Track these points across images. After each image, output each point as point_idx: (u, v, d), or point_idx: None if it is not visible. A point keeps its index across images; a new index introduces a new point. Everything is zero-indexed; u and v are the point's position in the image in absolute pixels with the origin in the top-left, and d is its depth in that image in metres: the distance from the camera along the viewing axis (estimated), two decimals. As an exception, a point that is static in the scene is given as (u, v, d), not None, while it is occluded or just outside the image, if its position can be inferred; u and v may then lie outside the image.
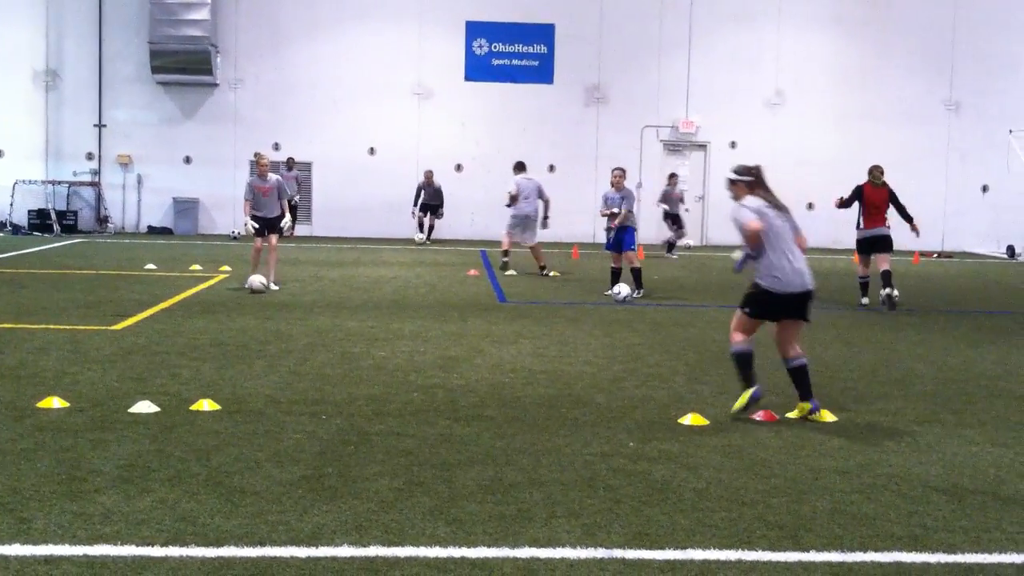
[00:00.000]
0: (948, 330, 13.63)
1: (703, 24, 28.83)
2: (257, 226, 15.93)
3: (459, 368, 10.09)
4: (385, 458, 6.92)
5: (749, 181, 8.43)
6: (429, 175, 27.31)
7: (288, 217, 16.45)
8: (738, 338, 8.35)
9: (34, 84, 27.84)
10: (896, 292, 15.28)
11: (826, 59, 29.19)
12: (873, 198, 15.67)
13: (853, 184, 27.60)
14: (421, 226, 27.53)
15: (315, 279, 17.60)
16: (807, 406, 8.25)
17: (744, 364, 8.30)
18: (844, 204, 15.98)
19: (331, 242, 26.62)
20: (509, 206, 19.76)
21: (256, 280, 15.52)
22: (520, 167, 20.03)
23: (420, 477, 6.52)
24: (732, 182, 8.52)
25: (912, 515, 6.06)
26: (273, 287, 15.81)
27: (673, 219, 25.08)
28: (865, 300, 15.81)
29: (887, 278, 15.41)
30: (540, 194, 19.50)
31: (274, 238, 16.11)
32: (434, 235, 27.84)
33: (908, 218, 15.74)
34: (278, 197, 16.03)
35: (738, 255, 8.56)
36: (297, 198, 27.02)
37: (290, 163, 27.19)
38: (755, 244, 8.17)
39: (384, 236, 28.04)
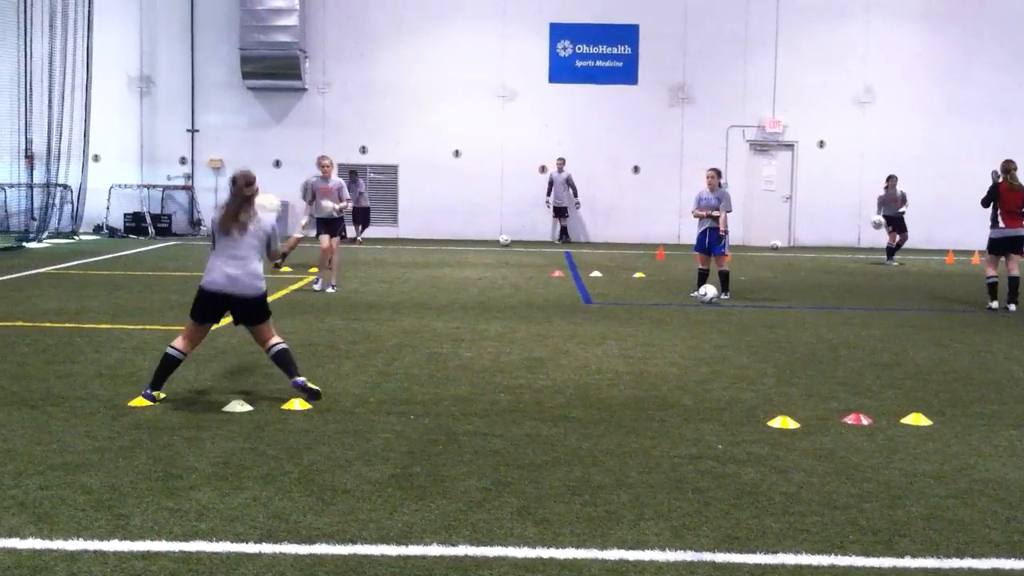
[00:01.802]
0: (1046, 332, 13.27)
1: (789, 21, 28.46)
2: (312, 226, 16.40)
3: (545, 369, 10.10)
4: (473, 458, 6.95)
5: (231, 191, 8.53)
6: (560, 163, 27.66)
7: (341, 204, 16.28)
8: (179, 343, 8.48)
9: (129, 90, 28.53)
10: (1016, 306, 15.06)
11: (916, 54, 28.59)
12: (1010, 199, 15.01)
13: (945, 182, 26.98)
14: (564, 232, 27.98)
15: (402, 280, 17.75)
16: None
17: (165, 367, 8.41)
18: (984, 204, 15.40)
19: (416, 243, 26.83)
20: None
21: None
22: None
23: (507, 477, 6.54)
24: None
25: (1010, 521, 5.92)
26: (330, 290, 15.92)
27: (893, 223, 23.20)
28: (994, 304, 15.14)
29: (1015, 287, 15.11)
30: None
31: (334, 240, 16.14)
32: (517, 237, 27.92)
33: None
34: (339, 199, 16.16)
35: None
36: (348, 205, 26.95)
37: (352, 175, 26.80)
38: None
39: (468, 237, 28.18)
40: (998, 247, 15.28)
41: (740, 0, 28.44)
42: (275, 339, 8.63)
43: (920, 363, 10.82)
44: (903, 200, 23.09)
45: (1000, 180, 15.20)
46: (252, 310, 8.54)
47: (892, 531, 5.71)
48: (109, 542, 5.33)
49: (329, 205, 16.08)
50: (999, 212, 15.12)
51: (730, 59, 28.56)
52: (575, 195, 27.88)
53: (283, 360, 8.60)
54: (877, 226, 23.05)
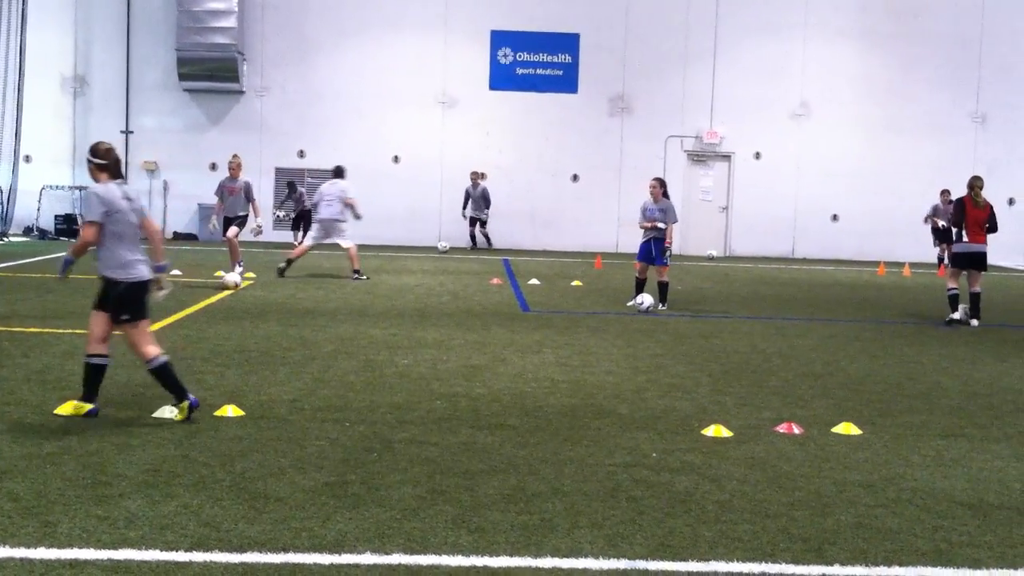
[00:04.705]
0: (974, 343, 13.54)
1: (728, 35, 28.80)
2: (219, 226, 17.81)
3: (482, 377, 10.09)
4: (408, 466, 6.93)
5: (101, 164, 8.04)
6: (475, 176, 27.52)
7: (259, 220, 18.14)
8: (95, 348, 7.94)
9: (62, 90, 28.08)
10: (978, 321, 15.16)
11: (852, 71, 29.10)
12: (975, 216, 15.13)
13: (878, 196, 27.40)
14: (473, 239, 27.87)
15: (339, 286, 17.65)
16: (186, 404, 7.91)
17: (95, 375, 7.97)
18: (955, 224, 15.48)
19: (354, 249, 26.67)
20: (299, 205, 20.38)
21: (231, 278, 16.82)
22: (336, 172, 20.19)
23: (442, 485, 6.52)
24: (89, 163, 8.11)
25: (937, 530, 6.02)
26: (236, 271, 17.21)
27: (944, 234, 24.60)
28: (956, 315, 15.17)
29: (976, 303, 15.20)
30: (342, 199, 19.48)
31: (233, 230, 17.74)
32: (455, 244, 27.85)
33: (992, 230, 15.32)
34: (245, 199, 17.60)
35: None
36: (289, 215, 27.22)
37: (291, 186, 27.05)
38: (81, 247, 8.05)
39: (407, 244, 28.09)
40: (960, 261, 15.41)
41: (680, 13, 28.74)
42: (156, 348, 8.06)
43: (851, 373, 10.99)
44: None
45: (964, 196, 15.37)
46: (146, 297, 8.13)
47: (822, 539, 5.79)
48: (36, 550, 5.23)
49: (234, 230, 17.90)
50: (964, 228, 15.23)
51: (669, 70, 28.83)
52: (487, 207, 27.84)
53: (167, 375, 7.98)
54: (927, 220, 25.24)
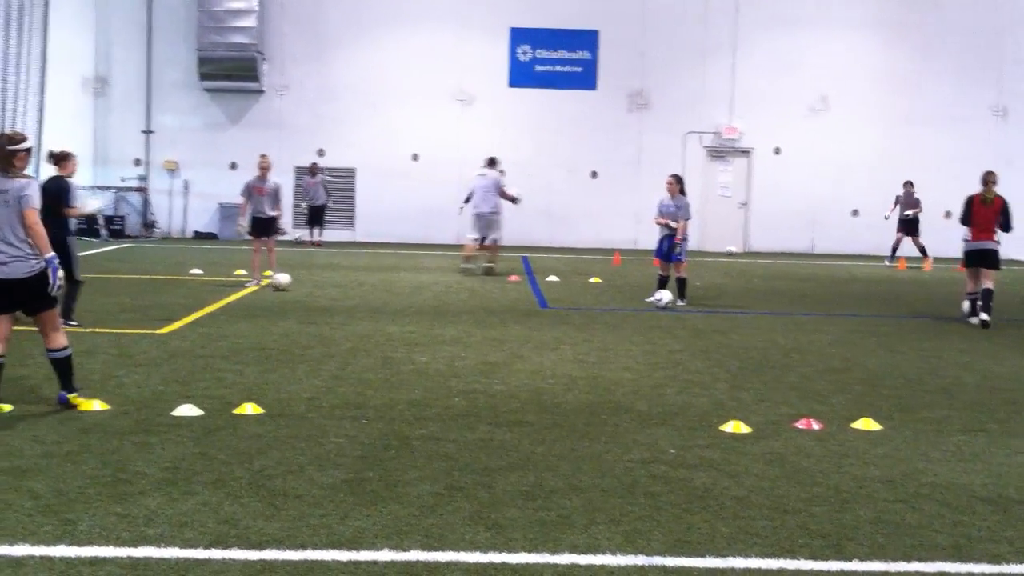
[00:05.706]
0: (994, 338, 13.45)
1: (747, 29, 28.69)
2: (248, 228, 17.15)
3: (500, 374, 10.10)
4: (426, 463, 6.94)
5: None
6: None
7: (283, 221, 17.63)
8: None
9: (83, 90, 28.21)
10: (990, 317, 14.39)
11: (871, 63, 28.93)
12: (981, 214, 14.61)
13: (894, 192, 27.17)
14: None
15: (356, 284, 17.69)
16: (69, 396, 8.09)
17: None
18: (962, 222, 14.99)
19: (372, 247, 26.73)
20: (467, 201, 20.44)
21: (282, 278, 16.53)
22: (489, 162, 20.40)
23: (460, 482, 6.53)
24: None
25: (956, 525, 5.99)
26: (282, 279, 16.67)
27: (907, 225, 24.90)
28: (973, 320, 14.61)
29: (987, 299, 14.46)
30: (498, 190, 19.82)
31: (271, 240, 17.23)
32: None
33: (1003, 228, 14.69)
34: (276, 200, 17.10)
35: None
36: (329, 201, 27.25)
37: (313, 169, 27.19)
38: None
39: (425, 241, 28.12)
40: (970, 260, 14.85)
41: (699, 8, 28.65)
42: (63, 340, 8.20)
43: (871, 368, 10.94)
44: (917, 204, 24.83)
45: (974, 194, 14.84)
46: (40, 293, 8.00)
47: (841, 535, 5.77)
48: (56, 547, 5.27)
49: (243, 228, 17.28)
50: (970, 225, 14.79)
51: (688, 66, 28.74)
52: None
53: (64, 366, 8.17)
54: (887, 218, 25.52)
